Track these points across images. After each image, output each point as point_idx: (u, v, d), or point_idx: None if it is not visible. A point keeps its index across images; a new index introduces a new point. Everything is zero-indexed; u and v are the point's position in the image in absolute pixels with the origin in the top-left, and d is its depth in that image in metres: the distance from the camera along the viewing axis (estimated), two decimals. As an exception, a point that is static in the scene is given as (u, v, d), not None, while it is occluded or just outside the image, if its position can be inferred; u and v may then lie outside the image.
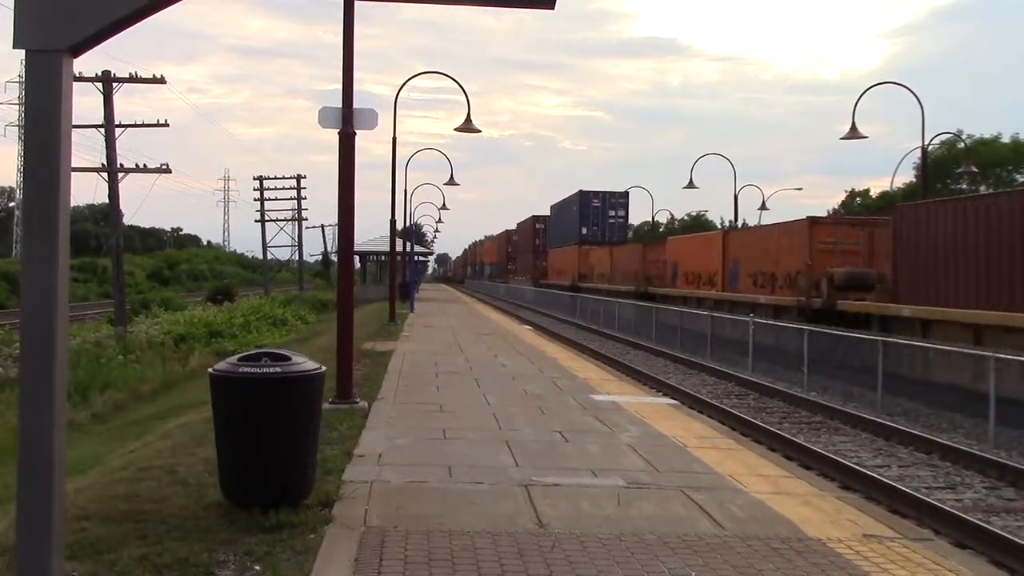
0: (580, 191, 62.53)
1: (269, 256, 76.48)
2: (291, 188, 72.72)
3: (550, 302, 55.06)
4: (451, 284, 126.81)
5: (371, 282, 59.98)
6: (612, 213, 62.19)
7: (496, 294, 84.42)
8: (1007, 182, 53.55)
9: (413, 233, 48.62)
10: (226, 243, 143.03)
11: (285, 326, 40.79)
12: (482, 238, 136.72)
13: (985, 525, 8.68)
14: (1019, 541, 8.12)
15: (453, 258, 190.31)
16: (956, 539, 8.22)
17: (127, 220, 45.18)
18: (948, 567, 5.28)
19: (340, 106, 10.84)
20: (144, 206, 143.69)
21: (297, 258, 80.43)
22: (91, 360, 23.55)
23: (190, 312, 40.16)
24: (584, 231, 61.38)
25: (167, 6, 4.06)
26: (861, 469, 11.11)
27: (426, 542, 5.42)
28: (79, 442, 13.70)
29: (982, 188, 50.65)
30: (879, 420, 14.73)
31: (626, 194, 63.58)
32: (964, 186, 49.80)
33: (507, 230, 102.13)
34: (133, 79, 32.97)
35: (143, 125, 34.81)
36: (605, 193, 62.69)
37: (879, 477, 10.69)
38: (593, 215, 61.80)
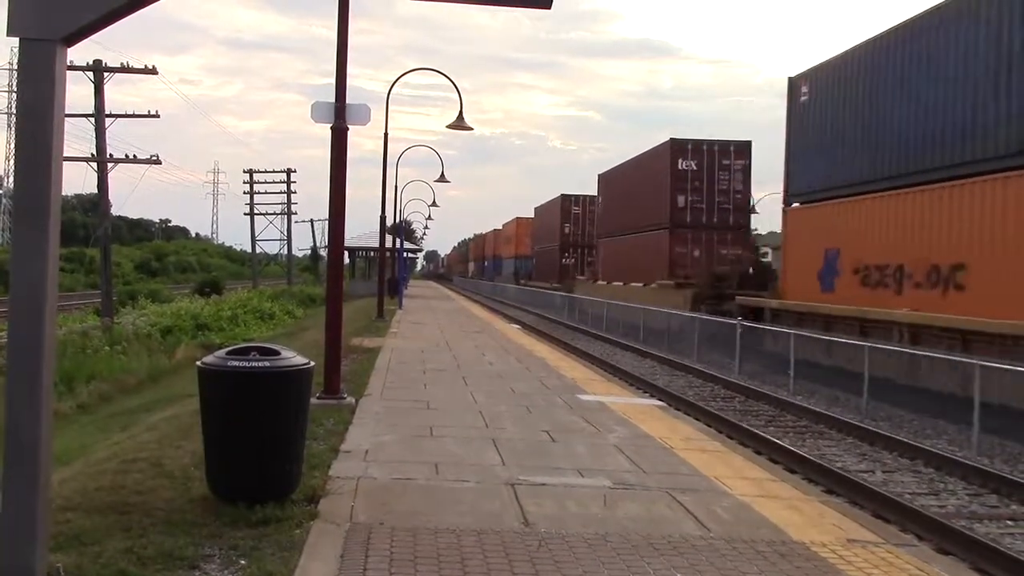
0: None
1: (258, 249, 76.26)
2: (281, 182, 72.47)
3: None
4: (441, 281, 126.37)
5: (360, 278, 59.78)
6: None
7: (549, 308, 47.58)
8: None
9: (403, 229, 48.41)
10: (214, 236, 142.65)
11: (273, 320, 40.69)
12: (471, 236, 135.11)
13: (968, 532, 8.74)
14: (1001, 548, 8.18)
15: (442, 255, 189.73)
16: (939, 545, 8.27)
17: (115, 211, 45.09)
18: (930, 572, 5.32)
19: (333, 101, 10.82)
20: (133, 197, 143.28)
21: (286, 252, 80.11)
22: (77, 350, 23.42)
23: (177, 304, 39.97)
24: None
25: (161, -2, 4.06)
26: (845, 474, 11.17)
27: (412, 539, 5.42)
28: (64, 432, 13.62)
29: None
30: (863, 425, 14.79)
31: None
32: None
33: (563, 195, 65.10)
34: (124, 69, 32.77)
35: (134, 116, 34.51)
36: None
37: (863, 482, 10.74)
38: None
